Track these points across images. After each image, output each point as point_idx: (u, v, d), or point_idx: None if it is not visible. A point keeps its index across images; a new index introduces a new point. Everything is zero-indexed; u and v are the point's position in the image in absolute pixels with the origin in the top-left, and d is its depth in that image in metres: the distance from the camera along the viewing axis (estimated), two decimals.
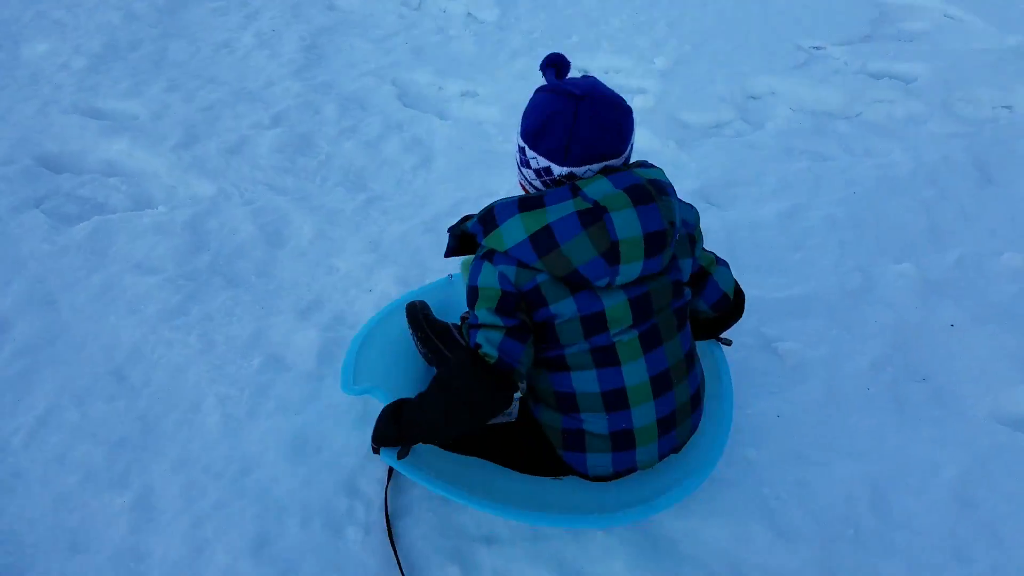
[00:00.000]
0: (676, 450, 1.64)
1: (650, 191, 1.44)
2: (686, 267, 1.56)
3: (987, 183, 2.71)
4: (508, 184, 2.78)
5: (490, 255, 1.47)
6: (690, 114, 3.26)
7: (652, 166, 1.53)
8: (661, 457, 1.61)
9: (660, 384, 1.53)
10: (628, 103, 1.51)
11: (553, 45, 3.76)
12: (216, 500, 1.71)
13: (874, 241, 2.48)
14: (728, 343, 1.83)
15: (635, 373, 1.50)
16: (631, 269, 1.43)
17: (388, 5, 4.17)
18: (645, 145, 3.04)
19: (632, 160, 1.55)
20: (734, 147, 3.03)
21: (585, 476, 1.62)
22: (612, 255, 1.40)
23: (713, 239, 2.47)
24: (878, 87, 3.37)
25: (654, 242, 1.42)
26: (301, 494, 1.72)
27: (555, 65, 1.56)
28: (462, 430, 1.58)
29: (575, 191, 1.43)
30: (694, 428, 1.65)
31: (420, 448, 1.63)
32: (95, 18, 3.90)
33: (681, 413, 1.59)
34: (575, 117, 1.44)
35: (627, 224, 1.40)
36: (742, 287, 1.79)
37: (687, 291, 1.58)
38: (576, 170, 1.47)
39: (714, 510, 1.68)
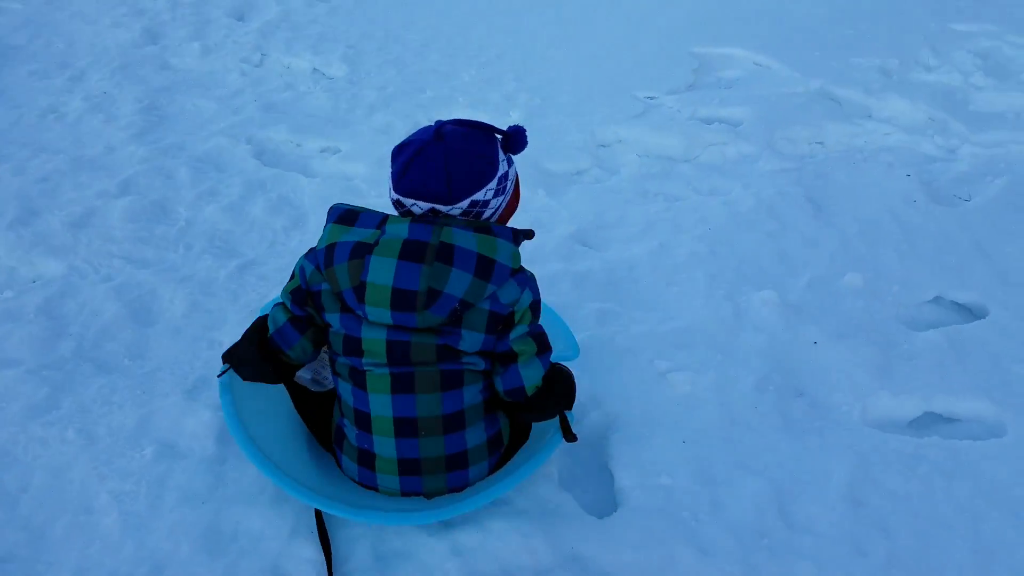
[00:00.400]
0: (427, 496, 1.68)
1: (426, 253, 1.50)
2: (473, 339, 1.57)
3: (818, 212, 3.02)
4: None
5: (313, 248, 1.62)
6: (552, 163, 3.39)
7: (484, 231, 1.55)
8: (404, 494, 1.68)
9: (404, 428, 1.60)
10: (492, 165, 1.61)
11: (409, 100, 3.81)
12: None
13: (735, 272, 2.68)
14: (571, 439, 1.70)
15: (380, 406, 1.60)
16: (379, 313, 1.52)
17: (228, 62, 4.04)
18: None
19: (485, 216, 1.64)
20: (596, 192, 3.20)
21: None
22: (359, 292, 1.52)
23: (596, 280, 2.59)
24: (710, 131, 3.66)
25: (401, 299, 1.50)
26: None
27: (511, 136, 1.68)
28: (245, 375, 1.75)
29: (382, 223, 1.56)
30: (453, 488, 1.69)
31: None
32: None
33: (429, 465, 1.64)
34: (421, 151, 1.56)
35: (380, 271, 1.50)
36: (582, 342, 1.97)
37: (475, 361, 1.61)
38: (404, 200, 1.60)
39: (638, 538, 1.75)
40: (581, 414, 2.07)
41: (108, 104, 3.55)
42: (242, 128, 3.44)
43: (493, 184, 1.61)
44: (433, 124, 1.64)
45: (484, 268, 1.52)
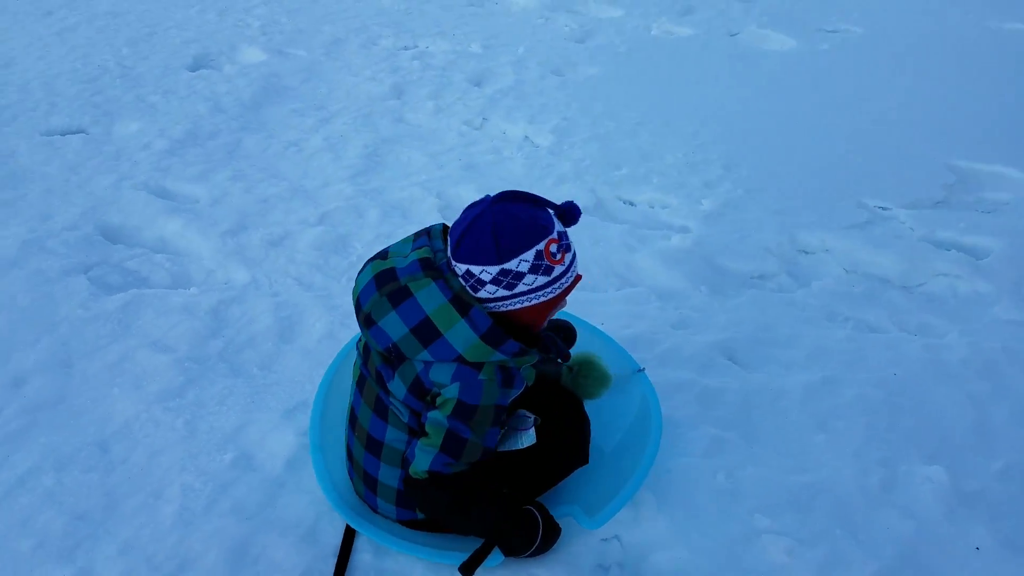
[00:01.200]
0: (361, 496, 1.91)
1: (387, 285, 1.66)
2: (398, 388, 1.69)
3: None
4: None
5: None
6: (730, 260, 3.22)
7: (457, 305, 1.60)
8: (357, 493, 1.93)
9: (350, 424, 1.89)
10: (501, 253, 1.57)
11: (600, 175, 3.87)
12: None
13: (907, 433, 2.27)
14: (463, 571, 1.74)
15: (352, 397, 1.88)
16: (363, 315, 1.68)
17: (452, 122, 4.39)
18: (673, 286, 3.05)
19: (480, 296, 1.63)
20: (773, 302, 2.94)
21: None
22: (356, 302, 1.72)
23: (726, 402, 2.40)
24: (943, 258, 3.17)
25: (358, 309, 1.70)
26: None
27: (566, 211, 1.69)
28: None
29: (413, 250, 1.75)
30: (366, 499, 1.90)
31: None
32: (185, 106, 4.27)
33: (356, 470, 1.88)
34: (476, 205, 1.62)
35: (361, 279, 1.72)
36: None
37: (400, 409, 1.72)
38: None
39: None
40: (644, 548, 1.93)
41: (340, 145, 4.02)
42: (438, 183, 3.71)
43: (492, 270, 1.58)
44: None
45: (425, 333, 1.60)
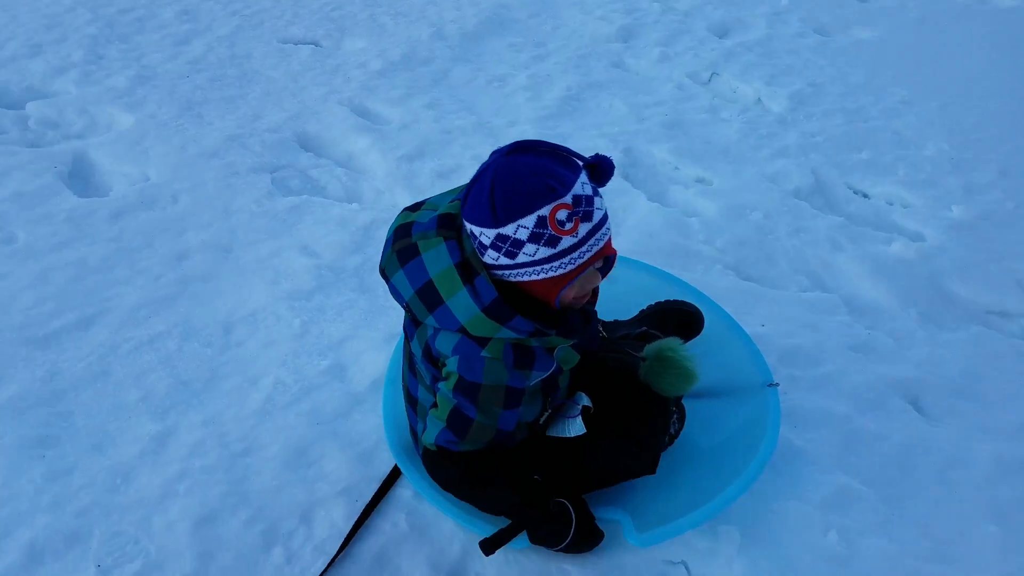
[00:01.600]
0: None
1: (400, 240, 1.56)
2: (416, 348, 1.62)
3: None
4: (704, 279, 2.60)
5: None
6: (963, 285, 2.74)
7: (462, 270, 1.46)
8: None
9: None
10: (497, 214, 1.39)
11: (833, 154, 3.46)
12: (205, 465, 1.90)
13: None
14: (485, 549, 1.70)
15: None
16: (380, 268, 1.62)
17: (674, 73, 4.15)
18: (875, 300, 2.67)
19: (486, 261, 1.47)
20: (998, 348, 2.46)
21: None
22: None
23: (880, 452, 2.07)
24: None
25: (382, 270, 1.61)
26: (266, 497, 1.85)
27: (597, 166, 1.48)
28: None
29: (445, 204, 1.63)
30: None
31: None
32: (409, 30, 4.42)
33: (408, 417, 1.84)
34: (497, 151, 1.45)
35: (387, 237, 1.63)
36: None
37: (416, 361, 1.66)
38: None
39: None
40: None
41: (544, 85, 3.96)
42: (630, 136, 3.54)
43: (490, 234, 1.41)
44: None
45: (429, 297, 1.48)
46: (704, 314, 2.23)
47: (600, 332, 1.86)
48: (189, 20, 4.30)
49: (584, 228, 1.40)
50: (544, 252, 1.40)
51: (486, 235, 1.41)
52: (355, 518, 1.79)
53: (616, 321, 2.19)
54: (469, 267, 1.45)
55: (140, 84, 3.65)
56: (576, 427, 1.73)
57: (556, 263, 1.41)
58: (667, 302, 2.23)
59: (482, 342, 1.48)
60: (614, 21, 4.71)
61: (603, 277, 1.53)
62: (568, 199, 1.37)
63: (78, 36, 4.01)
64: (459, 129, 3.50)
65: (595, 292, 1.67)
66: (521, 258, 1.40)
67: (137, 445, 1.95)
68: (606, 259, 1.49)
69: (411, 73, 3.97)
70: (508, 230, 1.38)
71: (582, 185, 1.40)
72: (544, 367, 1.56)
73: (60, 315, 2.33)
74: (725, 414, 2.04)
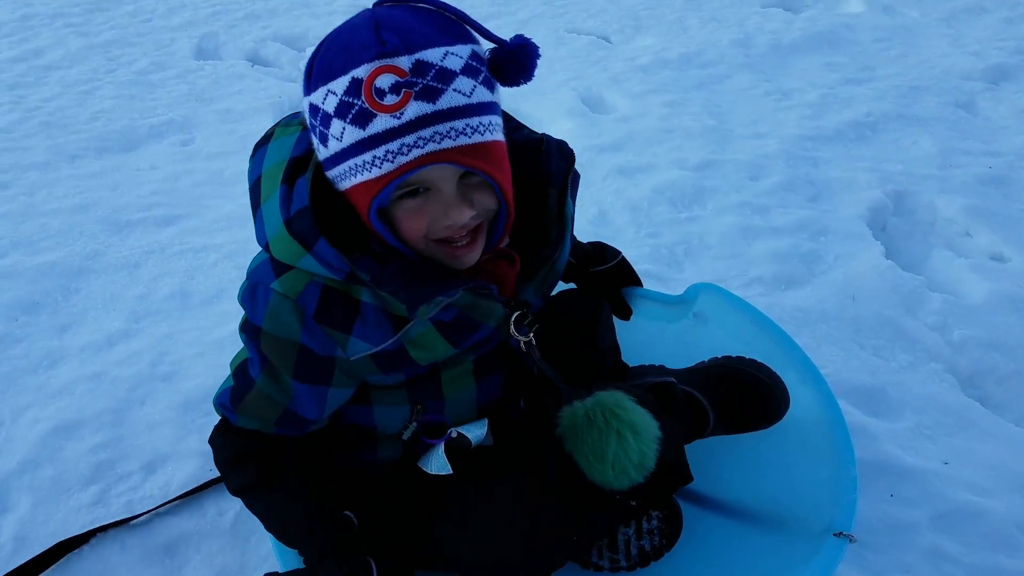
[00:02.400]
0: None
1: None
2: None
3: None
4: (898, 375, 1.78)
5: None
6: None
7: (297, 147, 1.06)
8: None
9: None
10: (308, 68, 0.98)
11: None
12: (120, 376, 1.71)
13: None
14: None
15: None
16: None
17: None
18: None
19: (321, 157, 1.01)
20: None
21: None
22: None
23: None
24: None
25: None
26: (134, 430, 1.60)
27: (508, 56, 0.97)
28: None
29: None
30: None
31: None
32: (712, 34, 3.85)
33: None
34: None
35: None
36: None
37: None
38: None
39: None
40: None
41: (834, 106, 3.11)
42: (916, 181, 2.58)
43: (305, 105, 0.98)
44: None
45: (253, 198, 1.08)
46: (812, 409, 1.40)
47: (528, 338, 1.18)
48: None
49: (416, 110, 0.89)
50: (351, 135, 0.92)
51: (304, 110, 1.00)
52: (190, 487, 1.42)
53: (646, 367, 1.48)
54: (302, 164, 1.03)
55: None
56: (438, 462, 1.15)
57: (368, 155, 0.92)
58: (741, 360, 1.44)
59: (278, 269, 1.02)
60: (989, 58, 3.58)
61: (474, 213, 0.98)
62: (403, 62, 0.89)
63: None
64: (684, 130, 2.88)
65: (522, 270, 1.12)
66: (331, 144, 0.94)
67: (90, 336, 1.82)
68: (468, 180, 0.96)
69: (678, 73, 3.42)
70: (316, 97, 0.94)
71: (447, 55, 0.91)
72: (373, 339, 1.03)
73: (152, 209, 2.34)
74: (762, 556, 1.24)
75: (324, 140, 0.94)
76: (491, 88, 0.95)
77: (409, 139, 0.88)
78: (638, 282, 1.58)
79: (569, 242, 1.23)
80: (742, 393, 1.36)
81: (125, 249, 2.16)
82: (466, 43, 0.94)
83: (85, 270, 2.06)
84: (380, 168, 0.90)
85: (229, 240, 2.21)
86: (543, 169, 1.14)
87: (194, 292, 1.98)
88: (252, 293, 1.03)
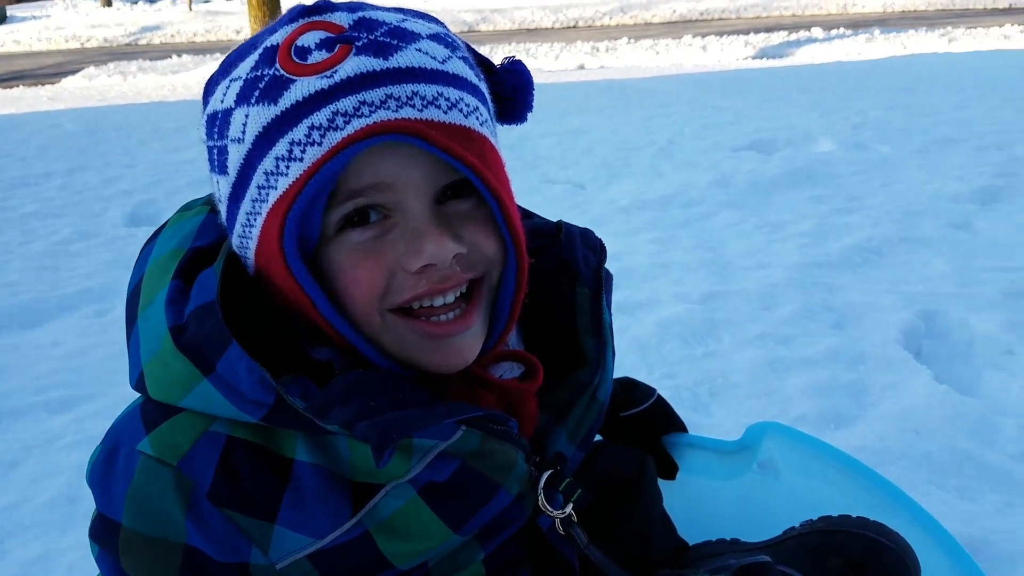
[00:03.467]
0: None
1: None
2: None
3: None
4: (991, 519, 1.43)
5: None
6: None
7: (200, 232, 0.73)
8: None
9: None
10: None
11: None
12: None
13: None
14: None
15: None
16: None
17: None
18: None
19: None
20: None
21: None
22: None
23: None
24: None
25: None
26: None
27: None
28: None
29: None
30: None
31: None
32: (689, 176, 3.76)
33: None
34: None
35: None
36: None
37: None
38: None
39: None
40: None
41: (832, 234, 2.93)
42: (943, 300, 2.36)
43: (211, 102, 0.65)
44: None
45: (130, 311, 0.70)
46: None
47: (566, 513, 0.77)
48: None
49: (358, 64, 0.59)
50: (257, 121, 0.60)
51: (204, 145, 0.67)
52: None
53: (712, 543, 1.09)
54: (205, 257, 0.68)
55: None
56: None
57: (279, 148, 0.59)
58: (845, 521, 1.05)
59: (155, 421, 0.64)
60: (973, 181, 3.50)
61: (461, 249, 0.64)
62: (340, 18, 0.62)
63: None
64: (679, 264, 2.65)
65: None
66: (232, 161, 0.62)
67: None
68: (450, 205, 0.65)
69: (660, 213, 3.26)
70: (214, 101, 0.64)
71: (406, 20, 0.65)
72: (314, 526, 0.64)
73: (45, 392, 1.97)
74: None
75: (222, 163, 0.62)
76: (476, 76, 0.67)
77: (346, 103, 0.57)
78: (681, 427, 1.23)
79: (612, 363, 0.89)
80: (862, 567, 0.98)
81: (1, 444, 1.76)
82: (438, 24, 0.68)
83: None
84: (301, 161, 0.57)
85: None
86: (566, 260, 0.82)
87: (85, 497, 1.56)
88: (107, 463, 0.64)
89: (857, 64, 8.14)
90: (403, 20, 0.64)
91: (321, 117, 0.57)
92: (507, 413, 0.70)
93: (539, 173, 3.95)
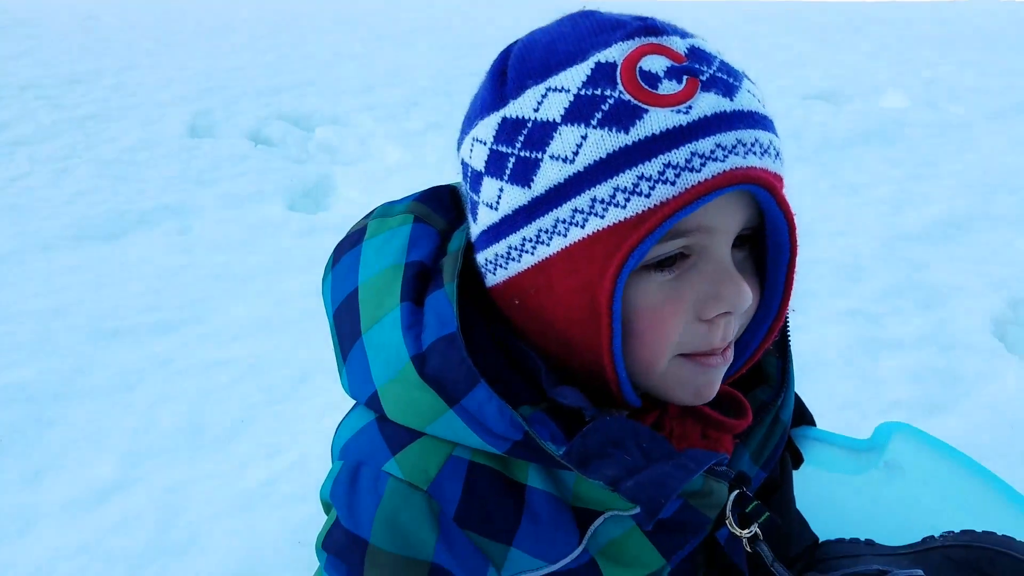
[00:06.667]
0: None
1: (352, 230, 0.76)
2: None
3: None
4: None
5: None
6: None
7: (415, 245, 0.68)
8: None
9: None
10: (498, 76, 0.63)
11: None
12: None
13: None
14: None
15: None
16: None
17: None
18: None
19: (475, 217, 0.66)
20: None
21: None
22: None
23: None
24: None
25: None
26: None
27: None
28: None
29: None
30: None
31: None
32: None
33: None
34: None
35: None
36: None
37: None
38: None
39: None
40: None
41: (912, 203, 2.83)
42: None
43: (487, 130, 0.61)
44: None
45: (346, 325, 0.68)
46: None
47: (753, 531, 0.75)
48: None
49: (711, 104, 0.56)
50: (600, 145, 0.55)
51: (479, 142, 0.62)
52: None
53: (847, 543, 1.07)
54: (428, 272, 0.66)
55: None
56: None
57: (625, 178, 0.55)
58: (992, 539, 1.02)
59: (399, 442, 0.62)
60: None
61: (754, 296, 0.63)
62: (676, 43, 0.58)
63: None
64: None
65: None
66: (545, 173, 0.57)
67: (72, 489, 1.37)
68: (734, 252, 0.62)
69: None
70: (522, 105, 0.58)
71: (721, 52, 0.62)
72: (548, 550, 0.63)
73: (146, 313, 1.94)
74: None
75: (522, 174, 0.57)
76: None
77: (704, 145, 0.54)
78: (811, 420, 1.20)
79: (794, 382, 0.85)
80: None
81: (114, 366, 1.73)
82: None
83: (62, 395, 1.62)
84: (647, 196, 0.53)
85: (247, 353, 1.80)
86: None
87: (207, 424, 1.54)
88: (352, 481, 0.62)
89: (920, 5, 7.80)
90: (720, 52, 0.61)
91: (679, 156, 0.53)
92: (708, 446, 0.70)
93: None
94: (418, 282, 0.64)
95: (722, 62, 0.59)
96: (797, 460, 1.16)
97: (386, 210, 0.73)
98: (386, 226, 0.70)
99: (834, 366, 1.87)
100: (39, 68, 4.23)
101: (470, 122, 0.64)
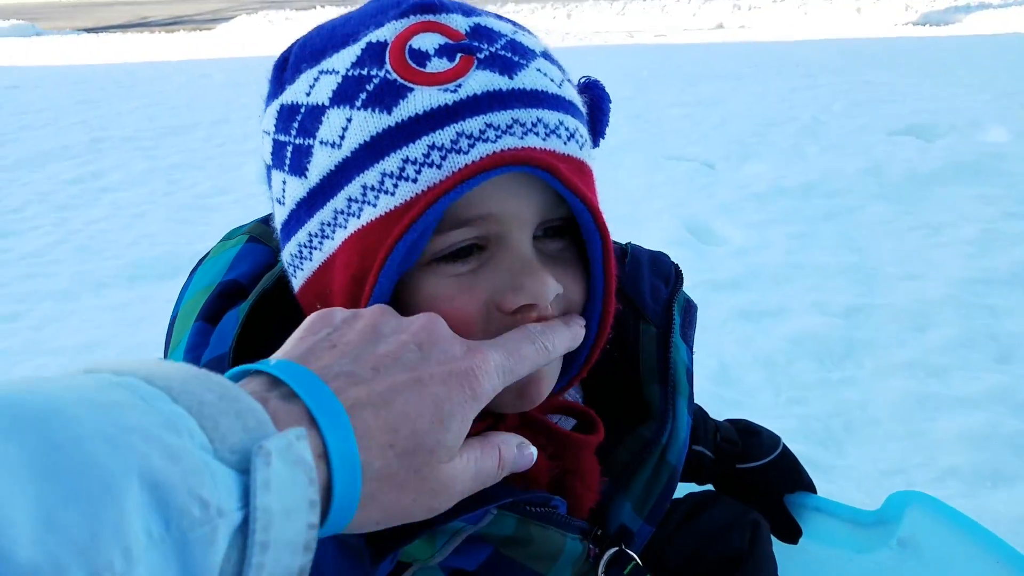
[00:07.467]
0: None
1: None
2: None
3: None
4: None
5: None
6: None
7: (243, 260, 0.67)
8: None
9: None
10: (279, 62, 0.61)
11: None
12: None
13: None
14: None
15: None
16: None
17: None
18: None
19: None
20: None
21: None
22: None
23: None
24: None
25: None
26: None
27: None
28: None
29: None
30: None
31: None
32: (833, 161, 3.42)
33: None
34: None
35: None
36: None
37: None
38: None
39: None
40: None
41: (1001, 244, 2.57)
42: None
43: (269, 119, 0.58)
44: None
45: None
46: None
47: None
48: None
49: (485, 81, 0.52)
50: (364, 127, 0.51)
51: (265, 135, 0.59)
52: None
53: None
54: (244, 290, 0.63)
55: None
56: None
57: (391, 161, 0.50)
58: None
59: None
60: None
61: (560, 290, 0.54)
62: (457, 21, 0.54)
63: None
64: (817, 267, 2.38)
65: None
66: (317, 161, 0.53)
67: None
68: (545, 243, 0.56)
69: (799, 202, 2.96)
70: (292, 92, 0.55)
71: (518, 32, 0.57)
72: None
73: None
74: None
75: (298, 163, 0.53)
76: (583, 101, 0.60)
77: (472, 124, 0.49)
78: (810, 486, 1.05)
79: (687, 416, 0.71)
80: None
81: None
82: (539, 39, 0.60)
83: None
84: (414, 182, 0.49)
85: None
86: (628, 296, 0.70)
87: None
88: None
89: None
90: (515, 32, 0.56)
91: (444, 137, 0.50)
92: (568, 474, 0.59)
93: (663, 148, 3.69)
94: (222, 301, 0.61)
95: (511, 41, 0.54)
96: (794, 533, 1.02)
97: (231, 233, 0.70)
98: (221, 248, 0.67)
99: (884, 425, 1.67)
100: (145, 121, 4.52)
101: (262, 115, 0.60)
